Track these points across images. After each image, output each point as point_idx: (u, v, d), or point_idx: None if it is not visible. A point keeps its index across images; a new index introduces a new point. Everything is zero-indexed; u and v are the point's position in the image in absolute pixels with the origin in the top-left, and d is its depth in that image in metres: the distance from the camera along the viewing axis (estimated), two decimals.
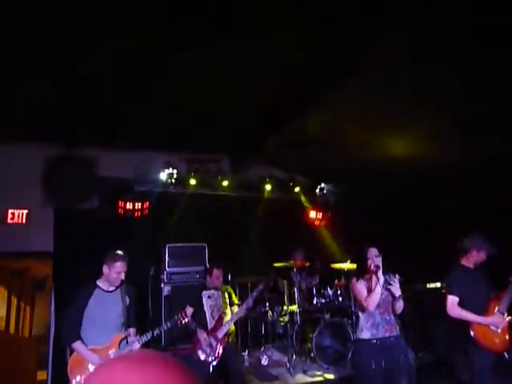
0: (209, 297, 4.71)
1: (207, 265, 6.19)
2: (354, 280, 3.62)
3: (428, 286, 6.11)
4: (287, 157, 6.53)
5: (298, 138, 5.70)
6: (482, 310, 3.67)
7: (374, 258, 3.53)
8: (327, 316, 5.97)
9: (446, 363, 5.04)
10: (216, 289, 4.78)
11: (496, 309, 3.68)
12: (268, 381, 5.17)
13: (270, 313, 6.19)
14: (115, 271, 3.68)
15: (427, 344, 5.60)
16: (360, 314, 3.61)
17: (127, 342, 3.72)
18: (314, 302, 6.25)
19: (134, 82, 4.31)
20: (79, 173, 5.92)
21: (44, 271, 7.43)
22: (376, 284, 3.43)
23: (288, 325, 5.76)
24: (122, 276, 3.72)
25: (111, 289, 3.77)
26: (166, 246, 6.18)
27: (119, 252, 3.79)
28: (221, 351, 4.41)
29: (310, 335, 5.66)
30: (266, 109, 5.02)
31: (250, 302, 4.60)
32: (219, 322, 4.57)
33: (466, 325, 3.66)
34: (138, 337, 3.75)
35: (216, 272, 4.76)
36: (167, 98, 4.73)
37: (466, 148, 5.30)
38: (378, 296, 3.41)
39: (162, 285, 6.05)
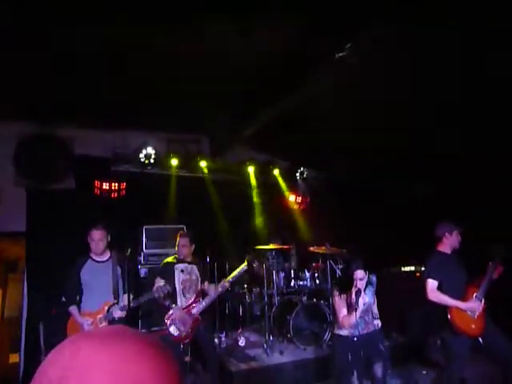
0: (181, 270, 4.44)
1: None
2: (336, 293, 3.65)
3: (403, 268, 6.23)
4: (268, 140, 6.48)
5: (280, 122, 5.65)
6: (461, 295, 3.77)
7: (359, 280, 3.50)
8: (304, 298, 6.04)
9: (418, 343, 5.20)
10: (189, 262, 4.53)
11: (474, 295, 3.76)
12: (245, 362, 5.21)
13: (247, 294, 6.22)
14: (91, 239, 4.02)
15: (401, 325, 5.74)
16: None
17: (115, 307, 3.94)
18: (292, 284, 6.31)
19: (111, 59, 4.16)
20: (53, 152, 5.73)
21: (17, 252, 7.22)
22: (354, 306, 3.40)
23: (266, 307, 5.81)
24: (101, 245, 4.02)
25: (102, 259, 4.08)
26: (143, 227, 6.09)
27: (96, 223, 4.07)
28: (193, 329, 4.27)
29: (288, 317, 5.72)
30: (248, 91, 4.95)
31: (226, 284, 4.47)
32: (196, 298, 4.40)
33: (443, 309, 3.75)
34: (122, 305, 3.95)
35: (178, 240, 4.53)
36: (147, 76, 4.58)
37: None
38: (354, 319, 3.40)
39: (139, 266, 5.98)
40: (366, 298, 3.54)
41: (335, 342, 3.75)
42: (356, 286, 3.48)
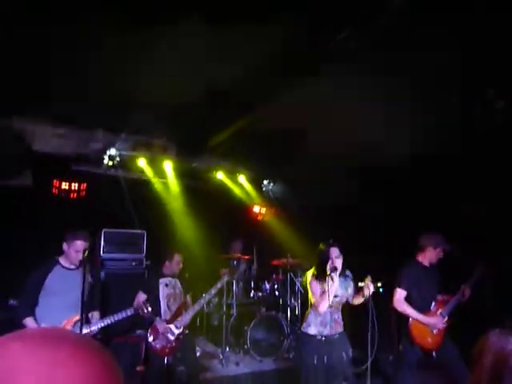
0: (166, 285, 4.44)
1: (144, 252, 6.02)
2: (312, 278, 3.58)
3: (359, 284, 6.35)
4: (236, 149, 6.48)
5: (247, 132, 5.68)
6: (426, 309, 3.92)
7: (335, 258, 3.47)
8: (263, 309, 6.05)
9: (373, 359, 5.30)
10: (174, 276, 4.54)
11: (439, 311, 3.94)
12: (200, 372, 5.12)
13: (206, 304, 6.14)
14: (74, 249, 3.55)
15: (356, 340, 5.85)
16: (311, 309, 3.61)
17: (82, 324, 3.47)
18: (251, 295, 6.32)
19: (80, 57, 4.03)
20: (9, 145, 5.44)
21: None
22: (330, 287, 3.37)
23: (224, 317, 5.76)
24: (81, 256, 3.57)
25: (72, 267, 3.65)
26: (102, 230, 5.90)
27: (80, 231, 3.65)
28: (177, 343, 4.24)
29: (245, 328, 5.70)
30: (217, 99, 4.94)
31: (212, 292, 4.48)
32: (179, 311, 4.36)
33: (404, 318, 3.90)
34: (97, 321, 3.67)
35: (177, 257, 4.52)
36: (115, 76, 4.46)
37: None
38: (330, 299, 3.36)
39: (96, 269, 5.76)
40: (339, 290, 3.52)
41: (302, 342, 3.67)
42: (332, 264, 3.43)
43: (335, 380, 3.49)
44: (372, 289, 3.47)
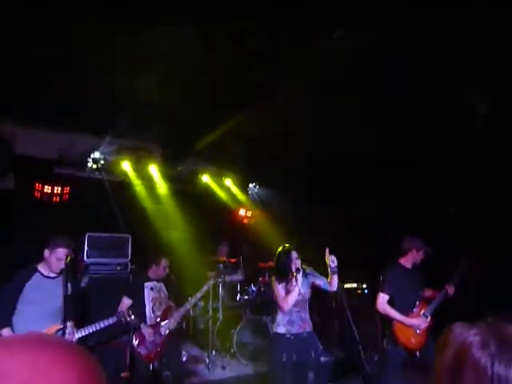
0: (151, 288, 4.39)
1: (129, 256, 5.95)
2: (276, 281, 3.75)
3: (345, 286, 6.43)
4: (222, 153, 6.49)
5: (232, 136, 5.69)
6: (409, 310, 4.01)
7: (295, 260, 3.68)
8: (249, 313, 6.04)
9: (355, 358, 5.35)
10: (159, 279, 4.50)
11: (422, 312, 4.02)
12: (186, 377, 5.08)
13: (192, 308, 6.10)
14: (56, 257, 3.41)
15: (340, 341, 5.90)
16: (279, 310, 3.75)
17: (63, 334, 3.34)
18: (237, 298, 6.31)
19: (60, 59, 3.98)
20: None
21: None
22: (294, 286, 3.58)
23: (210, 320, 5.73)
24: (63, 264, 3.43)
25: (52, 275, 3.50)
26: (85, 234, 5.80)
27: (63, 238, 3.50)
28: (163, 348, 4.19)
29: (232, 331, 5.69)
30: (204, 102, 4.94)
31: (198, 296, 4.49)
32: (165, 315, 4.31)
33: (388, 319, 3.98)
34: (75, 330, 3.52)
35: (164, 262, 4.49)
36: (97, 79, 4.42)
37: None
38: (294, 298, 3.57)
39: (79, 275, 5.66)
40: (301, 289, 3.66)
41: (271, 342, 3.82)
42: (295, 265, 3.65)
43: (303, 377, 3.59)
44: (335, 260, 3.65)
